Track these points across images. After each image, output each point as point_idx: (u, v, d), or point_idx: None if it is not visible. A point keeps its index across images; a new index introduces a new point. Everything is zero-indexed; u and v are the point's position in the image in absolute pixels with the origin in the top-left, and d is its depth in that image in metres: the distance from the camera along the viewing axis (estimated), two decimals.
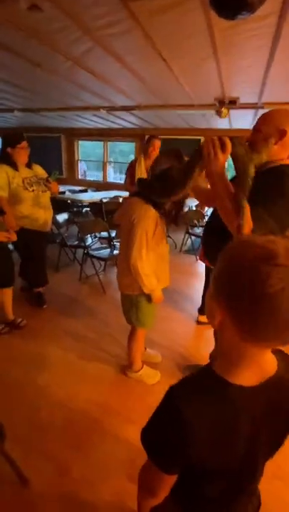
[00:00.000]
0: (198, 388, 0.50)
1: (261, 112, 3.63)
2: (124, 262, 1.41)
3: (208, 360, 0.52)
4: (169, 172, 1.21)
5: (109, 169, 7.43)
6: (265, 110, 3.40)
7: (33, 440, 1.39)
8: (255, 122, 1.20)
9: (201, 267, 3.97)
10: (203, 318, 2.51)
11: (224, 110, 3.31)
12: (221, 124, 4.99)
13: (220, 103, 3.34)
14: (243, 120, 4.49)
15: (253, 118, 4.26)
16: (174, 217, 1.45)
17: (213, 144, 0.97)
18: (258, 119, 1.19)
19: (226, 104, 3.31)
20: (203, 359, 1.95)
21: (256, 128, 1.17)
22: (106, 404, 1.59)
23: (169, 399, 0.50)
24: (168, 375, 1.81)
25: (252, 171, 1.02)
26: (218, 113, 3.36)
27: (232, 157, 1.00)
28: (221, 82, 2.64)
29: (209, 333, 2.38)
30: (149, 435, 0.52)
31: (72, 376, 1.79)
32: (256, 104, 3.32)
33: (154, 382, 1.74)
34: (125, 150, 18.55)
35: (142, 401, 1.63)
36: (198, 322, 2.47)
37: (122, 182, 7.25)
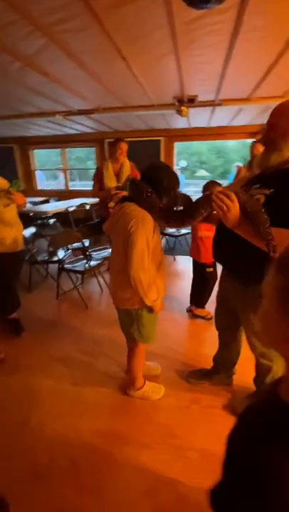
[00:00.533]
0: (278, 429, 0.40)
1: (219, 109, 3.75)
2: (120, 274, 1.29)
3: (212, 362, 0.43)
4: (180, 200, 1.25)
5: (62, 176, 7.15)
6: (223, 107, 3.46)
7: (38, 492, 1.19)
8: (269, 118, 1.11)
9: (180, 265, 3.96)
10: (199, 312, 2.47)
11: (184, 109, 3.32)
12: (180, 123, 5.07)
13: (179, 102, 3.35)
14: (201, 118, 4.59)
15: (209, 116, 4.37)
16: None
17: (222, 200, 0.97)
18: (273, 114, 1.11)
19: (185, 102, 3.33)
20: (203, 360, 1.89)
21: (272, 123, 1.08)
22: (112, 432, 1.44)
23: (253, 453, 0.39)
24: (172, 386, 1.72)
25: (261, 208, 1.00)
26: (179, 112, 3.37)
27: (240, 205, 0.99)
28: (180, 79, 2.63)
29: (202, 330, 2.36)
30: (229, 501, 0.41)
31: (69, 407, 1.61)
32: (214, 101, 3.39)
33: (159, 396, 1.63)
34: (82, 156, 18.26)
35: (150, 420, 1.51)
36: (194, 315, 2.48)
37: (85, 189, 7.05)
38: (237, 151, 18.40)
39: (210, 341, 2.23)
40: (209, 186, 2.23)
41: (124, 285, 1.29)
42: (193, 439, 1.40)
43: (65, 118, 4.09)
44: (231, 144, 18.12)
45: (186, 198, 1.39)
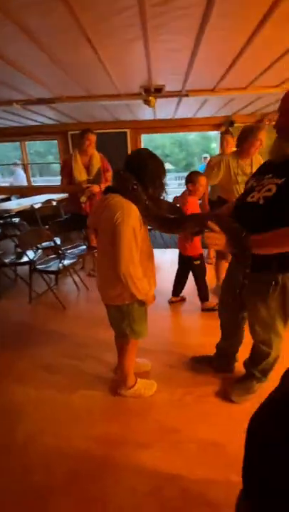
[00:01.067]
0: None
1: (185, 100, 3.75)
2: (109, 269, 1.21)
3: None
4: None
5: (20, 172, 6.69)
6: (189, 98, 3.47)
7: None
8: (280, 104, 1.10)
9: (162, 257, 3.94)
10: (208, 305, 2.48)
11: (152, 99, 3.26)
12: (146, 115, 4.99)
13: (146, 91, 3.28)
14: (167, 110, 4.56)
15: (175, 107, 4.37)
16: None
17: (214, 239, 1.07)
18: (283, 100, 1.09)
19: (152, 92, 3.27)
20: (191, 351, 1.90)
21: (284, 109, 1.07)
22: (107, 436, 1.38)
23: None
24: (163, 380, 1.70)
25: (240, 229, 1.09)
26: (147, 102, 3.30)
27: (222, 230, 1.08)
28: (148, 67, 2.55)
29: (186, 321, 2.37)
30: None
31: (58, 416, 1.50)
32: (180, 91, 3.37)
33: (152, 393, 1.60)
34: (41, 151, 17.32)
35: (145, 418, 1.47)
36: (205, 309, 2.47)
37: (50, 184, 6.69)
38: (198, 144, 18.90)
39: (194, 330, 2.27)
40: (192, 177, 2.26)
41: (114, 281, 1.22)
42: (190, 431, 1.40)
43: (23, 108, 3.78)
44: (191, 137, 18.53)
45: (178, 209, 1.43)
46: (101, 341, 2.06)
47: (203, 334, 2.15)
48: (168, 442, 1.35)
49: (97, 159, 2.84)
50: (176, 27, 1.85)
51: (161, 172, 1.19)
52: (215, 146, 9.52)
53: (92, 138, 2.67)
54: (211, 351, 1.78)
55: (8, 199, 5.96)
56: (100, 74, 2.68)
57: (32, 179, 10.27)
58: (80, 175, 2.74)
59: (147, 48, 2.12)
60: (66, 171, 2.82)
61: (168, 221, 1.26)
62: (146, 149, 1.20)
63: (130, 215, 1.13)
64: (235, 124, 5.21)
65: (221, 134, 3.19)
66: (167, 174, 1.23)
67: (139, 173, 1.15)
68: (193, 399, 1.57)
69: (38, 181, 11.72)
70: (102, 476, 1.21)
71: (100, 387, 1.67)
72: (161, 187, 1.21)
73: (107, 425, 1.44)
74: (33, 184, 6.79)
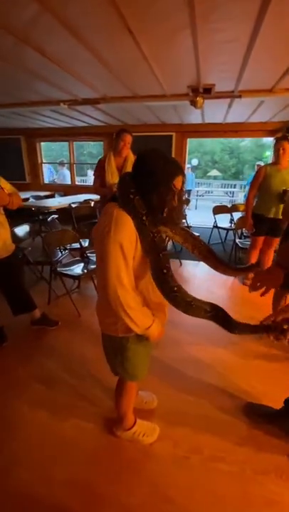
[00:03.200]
0: None
1: (237, 102, 3.39)
2: (101, 290, 1.00)
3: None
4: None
5: (65, 171, 6.92)
6: (242, 100, 3.11)
7: None
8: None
9: (186, 271, 3.65)
10: None
11: (199, 99, 3.00)
12: (194, 118, 4.73)
13: (193, 91, 3.03)
14: (217, 113, 4.24)
15: (226, 110, 4.02)
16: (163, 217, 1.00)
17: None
18: None
19: (200, 92, 3.01)
20: (219, 395, 1.58)
21: None
22: (90, 488, 1.16)
23: None
24: (170, 424, 1.42)
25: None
26: (193, 103, 3.04)
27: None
28: (196, 63, 2.30)
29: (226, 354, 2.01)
30: None
31: (42, 445, 1.34)
32: (232, 92, 3.05)
33: (153, 440, 1.34)
34: (94, 152, 18.12)
35: (139, 473, 1.22)
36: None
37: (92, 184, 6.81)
38: (250, 152, 17.84)
39: (235, 368, 1.91)
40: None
41: (106, 306, 0.98)
42: (190, 505, 1.11)
43: (70, 108, 3.82)
44: (244, 143, 17.58)
45: (194, 238, 1.16)
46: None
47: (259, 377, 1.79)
48: None
49: (132, 162, 2.66)
50: (230, 12, 1.58)
51: (172, 178, 0.90)
52: (269, 155, 8.81)
53: (128, 139, 2.51)
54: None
55: (52, 196, 6.19)
56: (144, 71, 2.51)
57: (80, 178, 10.70)
58: (112, 177, 2.60)
59: (195, 39, 1.88)
60: (99, 172, 2.71)
61: (158, 264, 0.94)
62: (155, 149, 0.94)
63: (119, 228, 0.88)
64: None
65: (277, 140, 2.77)
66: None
67: (142, 179, 0.90)
68: (201, 461, 1.27)
69: (87, 181, 12.18)
70: None
71: (95, 419, 1.46)
72: (171, 198, 0.91)
73: (94, 471, 1.23)
74: (77, 183, 6.97)
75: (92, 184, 3.02)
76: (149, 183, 0.89)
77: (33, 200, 5.34)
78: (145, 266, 1.00)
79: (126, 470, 1.23)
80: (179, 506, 1.10)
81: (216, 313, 1.00)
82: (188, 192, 8.53)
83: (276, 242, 3.01)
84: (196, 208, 9.45)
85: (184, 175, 0.95)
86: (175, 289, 0.94)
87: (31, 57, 2.20)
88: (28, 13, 1.60)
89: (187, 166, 7.48)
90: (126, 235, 0.89)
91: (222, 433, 1.40)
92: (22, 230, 2.81)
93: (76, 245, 2.97)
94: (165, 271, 0.93)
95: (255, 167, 6.01)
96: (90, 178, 13.15)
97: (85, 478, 1.19)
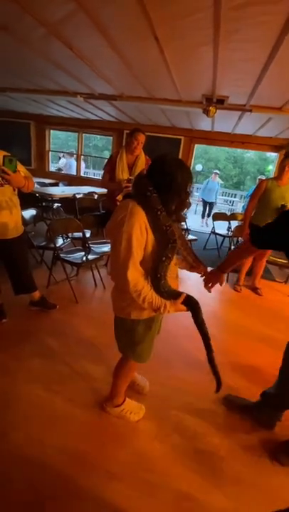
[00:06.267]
0: None
1: (247, 115, 3.54)
2: (115, 278, 1.12)
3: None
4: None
5: (72, 161, 6.98)
6: (252, 114, 3.26)
7: None
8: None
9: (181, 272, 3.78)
10: None
11: (212, 109, 3.13)
12: (204, 125, 4.87)
13: (207, 100, 3.16)
14: (227, 123, 4.39)
15: (236, 122, 4.17)
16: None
17: None
18: None
19: (214, 102, 3.14)
20: (204, 385, 1.71)
21: None
22: (79, 455, 1.28)
23: None
24: (157, 406, 1.55)
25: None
26: (206, 111, 3.17)
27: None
28: (214, 75, 2.43)
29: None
30: None
31: (36, 416, 1.44)
32: (244, 105, 3.19)
33: (138, 418, 1.46)
34: (99, 145, 18.07)
35: (124, 446, 1.34)
36: None
37: (98, 178, 6.87)
38: (254, 164, 18.12)
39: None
40: None
41: (119, 292, 1.12)
42: (169, 477, 1.23)
43: (86, 101, 3.90)
44: (248, 155, 17.85)
45: (190, 250, 1.31)
46: (101, 346, 1.98)
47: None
48: (141, 481, 1.20)
49: (143, 161, 2.78)
50: (251, 35, 1.71)
51: (185, 183, 1.03)
52: (271, 169, 9.04)
53: (141, 138, 2.62)
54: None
55: (56, 184, 6.24)
56: (164, 76, 2.63)
57: (85, 170, 10.72)
58: (122, 173, 2.70)
59: (216, 55, 2.01)
60: (110, 166, 2.80)
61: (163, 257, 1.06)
62: (173, 156, 1.05)
63: (132, 220, 1.00)
64: None
65: (285, 156, 2.92)
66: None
67: (162, 182, 1.02)
68: (181, 440, 1.40)
69: (90, 173, 12.21)
70: (61, 498, 1.11)
71: (87, 396, 1.57)
72: (183, 199, 1.06)
73: (83, 441, 1.34)
74: (82, 175, 7.03)
75: (96, 177, 3.11)
76: (169, 186, 1.01)
77: (38, 187, 5.38)
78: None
79: (113, 442, 1.35)
80: (157, 475, 1.23)
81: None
82: (211, 204, 7.57)
83: (269, 252, 3.17)
84: (195, 213, 9.60)
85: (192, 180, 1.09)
86: (158, 275, 1.07)
87: (58, 49, 2.29)
88: (63, 10, 1.69)
89: (215, 171, 7.71)
90: (138, 226, 1.01)
91: (202, 418, 1.53)
92: (28, 213, 2.89)
93: (78, 235, 3.06)
94: (164, 258, 1.06)
95: (257, 180, 6.19)
96: (92, 171, 13.21)
97: (76, 447, 1.31)
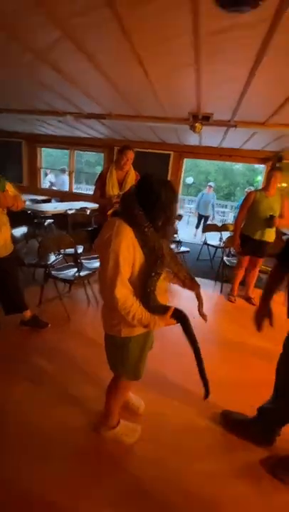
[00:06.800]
0: None
1: (233, 130, 3.67)
2: (104, 296, 1.11)
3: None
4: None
5: (64, 177, 7.06)
6: (237, 129, 3.36)
7: None
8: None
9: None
10: None
11: (198, 125, 3.23)
12: (192, 140, 5.01)
13: (194, 118, 3.27)
14: (214, 138, 4.53)
15: (222, 136, 4.31)
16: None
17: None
18: None
19: (200, 119, 3.25)
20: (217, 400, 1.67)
21: None
22: (72, 481, 1.22)
23: None
24: (155, 426, 1.50)
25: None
26: (193, 128, 3.27)
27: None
28: (198, 94, 2.53)
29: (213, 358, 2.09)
30: None
31: (28, 444, 1.37)
32: (229, 121, 3.31)
33: (134, 440, 1.41)
34: (92, 161, 18.39)
35: (119, 470, 1.28)
36: None
37: (90, 193, 6.94)
38: (243, 175, 18.62)
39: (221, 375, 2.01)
40: None
41: (110, 309, 1.10)
42: (167, 503, 1.18)
43: (76, 120, 3.99)
44: (237, 167, 18.36)
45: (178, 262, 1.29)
46: (97, 365, 1.92)
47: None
48: (137, 508, 1.14)
49: (132, 177, 2.82)
50: (231, 57, 1.79)
51: (169, 202, 1.05)
52: (260, 179, 9.28)
53: (130, 155, 2.67)
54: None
55: (48, 201, 6.27)
56: (150, 96, 2.72)
57: (77, 185, 10.81)
58: (112, 189, 2.74)
59: (198, 75, 2.09)
60: (100, 183, 2.84)
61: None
62: (157, 176, 1.07)
63: (119, 238, 1.01)
64: (284, 161, 5.00)
65: (272, 168, 3.02)
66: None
67: (147, 201, 1.03)
68: (177, 462, 1.35)
69: (83, 188, 12.34)
70: None
71: (79, 418, 1.51)
72: (172, 217, 1.09)
73: (76, 467, 1.28)
74: (74, 191, 7.09)
75: (89, 193, 3.14)
76: (154, 204, 1.03)
77: (30, 204, 5.40)
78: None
79: (107, 467, 1.29)
80: (153, 501, 1.17)
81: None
82: (206, 218, 7.33)
83: (260, 262, 3.20)
84: (187, 224, 9.71)
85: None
86: (148, 290, 1.07)
87: (46, 73, 2.36)
88: (50, 37, 1.76)
89: (209, 184, 7.48)
90: (124, 244, 1.01)
91: (199, 437, 1.48)
92: (19, 231, 2.88)
93: (71, 251, 3.05)
94: (153, 274, 1.06)
95: (245, 192, 6.32)
96: (85, 186, 13.36)
97: (67, 474, 1.24)
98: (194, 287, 1.30)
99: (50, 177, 7.72)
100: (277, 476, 1.30)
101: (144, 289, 1.07)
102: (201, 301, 1.30)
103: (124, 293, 1.02)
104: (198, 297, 1.30)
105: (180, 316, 1.13)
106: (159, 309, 1.10)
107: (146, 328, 1.11)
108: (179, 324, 1.16)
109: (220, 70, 1.99)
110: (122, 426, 1.42)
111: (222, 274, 3.79)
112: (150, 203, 1.03)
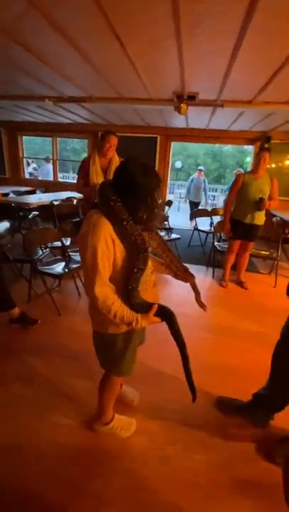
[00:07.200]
0: None
1: (219, 110, 3.53)
2: (87, 293, 1.04)
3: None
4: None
5: (48, 166, 6.79)
6: (224, 109, 3.24)
7: None
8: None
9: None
10: None
11: (183, 106, 3.09)
12: (178, 123, 4.84)
13: (178, 98, 3.12)
14: (200, 119, 4.38)
15: (209, 118, 4.16)
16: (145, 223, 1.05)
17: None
18: None
19: (185, 99, 3.11)
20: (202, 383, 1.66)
21: None
22: (67, 480, 1.20)
23: None
24: (148, 418, 1.48)
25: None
26: (177, 109, 3.13)
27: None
28: (181, 71, 2.39)
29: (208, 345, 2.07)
30: None
31: (19, 445, 1.34)
32: (215, 101, 3.17)
33: (129, 434, 1.39)
34: (77, 148, 17.83)
35: (115, 466, 1.27)
36: None
37: (75, 182, 6.74)
38: (232, 157, 18.41)
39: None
40: None
41: (95, 306, 1.03)
42: (164, 494, 1.17)
43: (55, 104, 3.78)
44: (226, 148, 18.12)
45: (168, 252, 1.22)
46: (89, 360, 1.88)
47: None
48: (135, 503, 1.14)
49: (117, 163, 2.70)
50: (213, 27, 1.67)
51: (152, 192, 0.95)
52: (249, 161, 9.17)
53: (114, 141, 2.54)
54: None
55: (33, 192, 6.06)
56: (130, 75, 2.56)
57: (63, 174, 10.48)
58: (97, 177, 2.61)
59: (180, 48, 1.96)
60: (83, 172, 2.70)
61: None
62: (136, 161, 0.96)
63: (96, 233, 0.93)
64: (272, 141, 4.91)
65: (260, 150, 2.92)
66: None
67: (124, 190, 0.94)
68: (175, 452, 1.34)
69: (70, 177, 11.98)
70: None
71: (73, 415, 1.49)
72: (155, 207, 0.98)
73: (71, 465, 1.26)
74: (59, 180, 6.87)
75: (74, 182, 3.00)
76: (133, 193, 0.94)
77: (13, 196, 5.20)
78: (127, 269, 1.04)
79: (103, 463, 1.27)
80: (151, 494, 1.17)
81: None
82: (198, 205, 6.84)
83: (251, 245, 3.18)
84: (178, 210, 9.61)
85: (161, 185, 1.00)
86: (129, 287, 1.00)
87: (17, 52, 2.18)
88: (16, 7, 1.59)
89: (199, 168, 6.94)
90: (102, 240, 0.94)
91: (195, 426, 1.48)
92: (1, 226, 2.76)
93: (58, 244, 2.95)
94: (136, 270, 0.99)
95: (234, 174, 6.21)
96: (72, 175, 12.98)
97: (63, 472, 1.22)
98: (188, 278, 1.24)
99: (33, 166, 7.41)
100: (272, 458, 1.31)
101: (126, 286, 1.00)
102: (197, 292, 1.24)
103: (103, 291, 0.96)
104: (194, 288, 1.25)
105: (165, 314, 1.07)
106: (141, 307, 1.03)
107: (128, 327, 1.05)
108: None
109: (202, 42, 1.85)
110: (117, 420, 1.40)
111: (214, 259, 3.76)
112: (128, 191, 0.94)
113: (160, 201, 1.00)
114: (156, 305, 1.05)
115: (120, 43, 1.91)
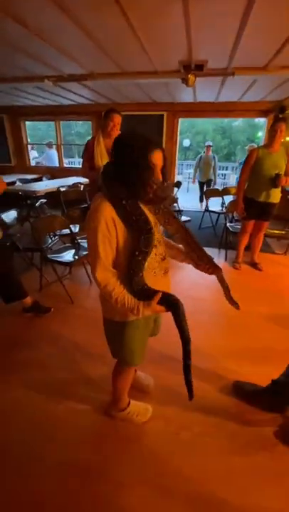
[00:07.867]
0: None
1: (230, 80, 3.28)
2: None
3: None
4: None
5: (52, 152, 6.64)
6: (235, 78, 3.00)
7: None
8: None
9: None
10: None
11: (191, 77, 2.88)
12: (186, 97, 4.57)
13: (185, 68, 2.90)
14: (209, 92, 4.11)
15: (218, 89, 3.89)
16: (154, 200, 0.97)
17: None
18: None
19: (192, 69, 2.89)
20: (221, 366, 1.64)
21: None
22: (85, 465, 1.22)
23: None
24: (164, 402, 1.48)
25: None
26: (185, 81, 2.93)
27: None
28: (188, 36, 2.19)
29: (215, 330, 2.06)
30: None
31: (39, 430, 1.38)
32: (226, 69, 2.94)
33: (145, 419, 1.40)
34: (81, 131, 17.43)
35: (132, 450, 1.28)
36: None
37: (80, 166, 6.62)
38: (243, 132, 17.51)
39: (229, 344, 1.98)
40: None
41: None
42: (180, 477, 1.18)
43: (55, 85, 3.61)
44: (236, 123, 17.24)
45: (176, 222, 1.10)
46: (103, 347, 1.89)
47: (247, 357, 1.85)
48: (153, 486, 1.15)
49: None
50: None
51: (146, 153, 0.85)
52: (261, 135, 8.70)
53: (118, 119, 2.40)
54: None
55: (39, 179, 6.00)
56: (134, 46, 2.38)
57: (69, 160, 10.30)
58: (102, 160, 2.51)
59: (186, 10, 1.78)
60: (88, 154, 2.60)
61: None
62: (129, 131, 0.91)
63: (97, 216, 0.89)
64: (288, 111, 4.58)
65: (275, 120, 2.70)
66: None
67: (119, 162, 0.89)
68: (190, 436, 1.34)
69: (76, 162, 11.80)
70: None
71: (88, 401, 1.51)
72: (150, 175, 0.87)
73: (88, 451, 1.28)
74: (65, 166, 6.75)
75: (80, 167, 2.91)
76: (125, 164, 0.88)
77: (20, 184, 5.17)
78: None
79: (120, 448, 1.29)
80: (168, 477, 1.18)
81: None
82: (209, 183, 6.35)
83: (266, 225, 3.04)
84: (187, 191, 9.35)
85: (162, 150, 0.91)
86: (131, 272, 0.94)
87: (12, 29, 2.05)
88: None
89: (207, 144, 6.41)
90: (103, 223, 0.89)
91: (211, 410, 1.47)
92: (9, 215, 2.74)
93: (66, 231, 2.92)
94: (137, 253, 0.93)
95: (246, 150, 5.88)
96: (78, 160, 12.75)
97: (80, 457, 1.25)
98: (214, 271, 1.14)
99: (34, 155, 7.26)
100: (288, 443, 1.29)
101: (128, 270, 0.94)
102: (225, 287, 1.14)
103: (104, 276, 0.93)
104: (222, 282, 1.15)
105: (169, 303, 0.97)
106: (144, 294, 0.96)
107: (133, 315, 0.99)
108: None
109: (211, 4, 1.67)
110: (133, 406, 1.40)
111: (226, 241, 3.65)
112: (121, 164, 0.88)
113: (164, 181, 0.92)
114: (160, 293, 0.96)
115: (120, 8, 1.75)
